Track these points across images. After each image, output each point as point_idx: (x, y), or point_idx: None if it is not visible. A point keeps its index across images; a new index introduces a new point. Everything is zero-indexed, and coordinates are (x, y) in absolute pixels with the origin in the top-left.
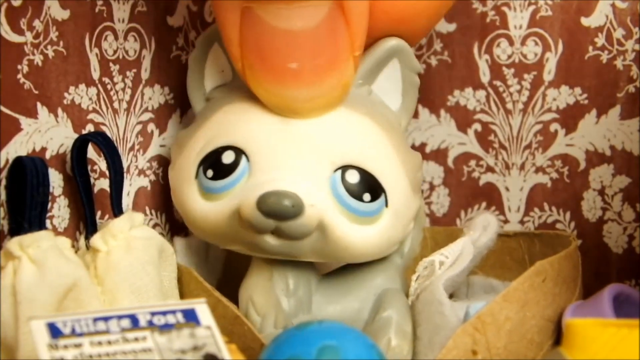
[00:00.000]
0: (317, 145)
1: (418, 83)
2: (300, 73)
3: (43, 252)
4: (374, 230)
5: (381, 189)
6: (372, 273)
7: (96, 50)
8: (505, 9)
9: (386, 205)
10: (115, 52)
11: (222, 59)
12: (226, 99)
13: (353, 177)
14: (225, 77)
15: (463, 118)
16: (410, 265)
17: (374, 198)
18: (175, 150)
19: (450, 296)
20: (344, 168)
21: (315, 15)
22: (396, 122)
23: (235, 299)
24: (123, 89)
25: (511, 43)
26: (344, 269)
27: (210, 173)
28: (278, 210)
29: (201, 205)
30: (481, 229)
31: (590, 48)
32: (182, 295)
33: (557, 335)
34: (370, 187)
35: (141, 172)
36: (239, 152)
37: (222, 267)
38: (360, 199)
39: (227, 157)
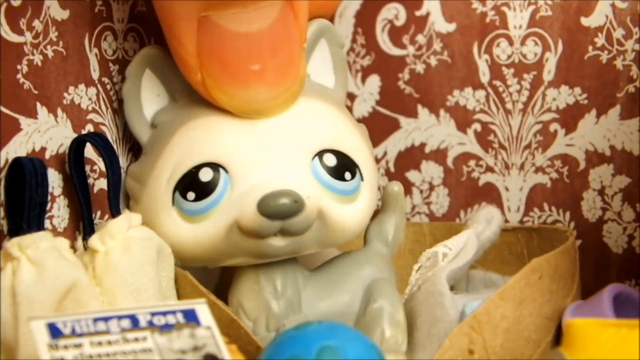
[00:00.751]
0: (290, 139)
1: (345, 57)
2: (263, 73)
3: (42, 253)
4: (359, 205)
5: (355, 165)
6: (359, 264)
7: (96, 50)
8: (505, 9)
9: (362, 179)
10: (114, 52)
11: (156, 82)
12: (179, 120)
13: (330, 160)
14: (161, 101)
15: (463, 118)
16: (408, 258)
17: (353, 175)
18: (134, 186)
19: (451, 289)
20: (320, 153)
21: (270, 14)
22: (339, 98)
23: None
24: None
25: (511, 43)
26: (330, 263)
27: (191, 195)
28: (282, 210)
29: (187, 229)
30: (485, 223)
31: (590, 48)
32: (179, 298)
33: (556, 332)
34: (347, 165)
35: None
36: (215, 166)
37: (219, 273)
38: (343, 179)
39: (205, 175)
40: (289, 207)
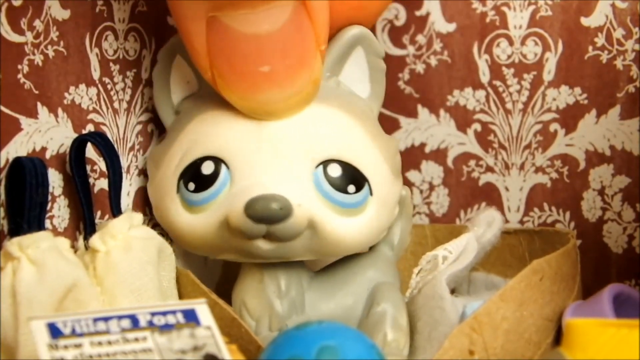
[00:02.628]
0: (295, 144)
1: (384, 68)
2: (272, 75)
3: (42, 253)
4: (362, 220)
5: (364, 178)
6: (364, 267)
7: (96, 50)
8: (505, 9)
9: (371, 193)
10: (115, 52)
11: (186, 69)
12: (196, 109)
13: (335, 170)
14: (191, 87)
15: (463, 118)
16: (409, 260)
17: (358, 189)
18: (151, 166)
19: (452, 292)
20: (325, 163)
21: (281, 16)
22: (368, 109)
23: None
24: (123, 89)
25: (511, 43)
26: (335, 265)
27: (192, 186)
28: (267, 215)
29: (186, 218)
30: (485, 225)
31: (590, 48)
32: (180, 298)
33: (556, 334)
34: (353, 178)
35: (141, 172)
36: (217, 161)
37: (220, 271)
38: (345, 191)
39: (207, 168)
40: (275, 212)
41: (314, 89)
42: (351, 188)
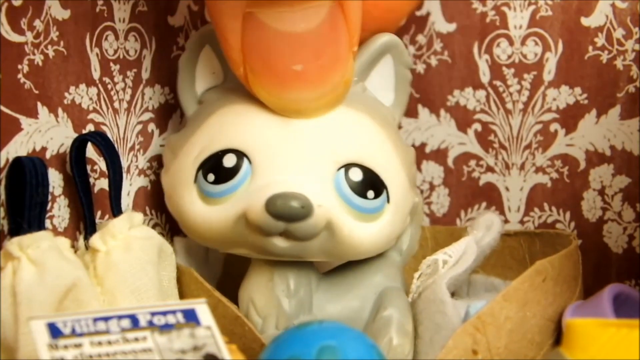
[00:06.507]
0: (320, 145)
1: (410, 78)
2: (304, 74)
3: (42, 253)
4: (378, 226)
5: (383, 185)
6: (372, 271)
7: (97, 50)
8: (505, 9)
9: (388, 201)
10: (115, 51)
11: (214, 60)
12: (221, 101)
13: (356, 175)
14: (216, 79)
15: (463, 118)
16: (409, 263)
17: (377, 195)
18: (169, 155)
19: (452, 295)
20: (347, 166)
21: (317, 15)
22: (391, 117)
23: (235, 300)
24: (123, 89)
25: (511, 43)
26: (344, 268)
27: (211, 177)
28: (287, 212)
29: (202, 209)
30: (484, 229)
31: (590, 48)
32: (182, 296)
33: (558, 335)
34: (373, 184)
35: (141, 172)
36: (240, 154)
37: (221, 268)
38: (365, 197)
39: (229, 161)
40: (295, 210)
41: (344, 90)
42: (370, 194)
